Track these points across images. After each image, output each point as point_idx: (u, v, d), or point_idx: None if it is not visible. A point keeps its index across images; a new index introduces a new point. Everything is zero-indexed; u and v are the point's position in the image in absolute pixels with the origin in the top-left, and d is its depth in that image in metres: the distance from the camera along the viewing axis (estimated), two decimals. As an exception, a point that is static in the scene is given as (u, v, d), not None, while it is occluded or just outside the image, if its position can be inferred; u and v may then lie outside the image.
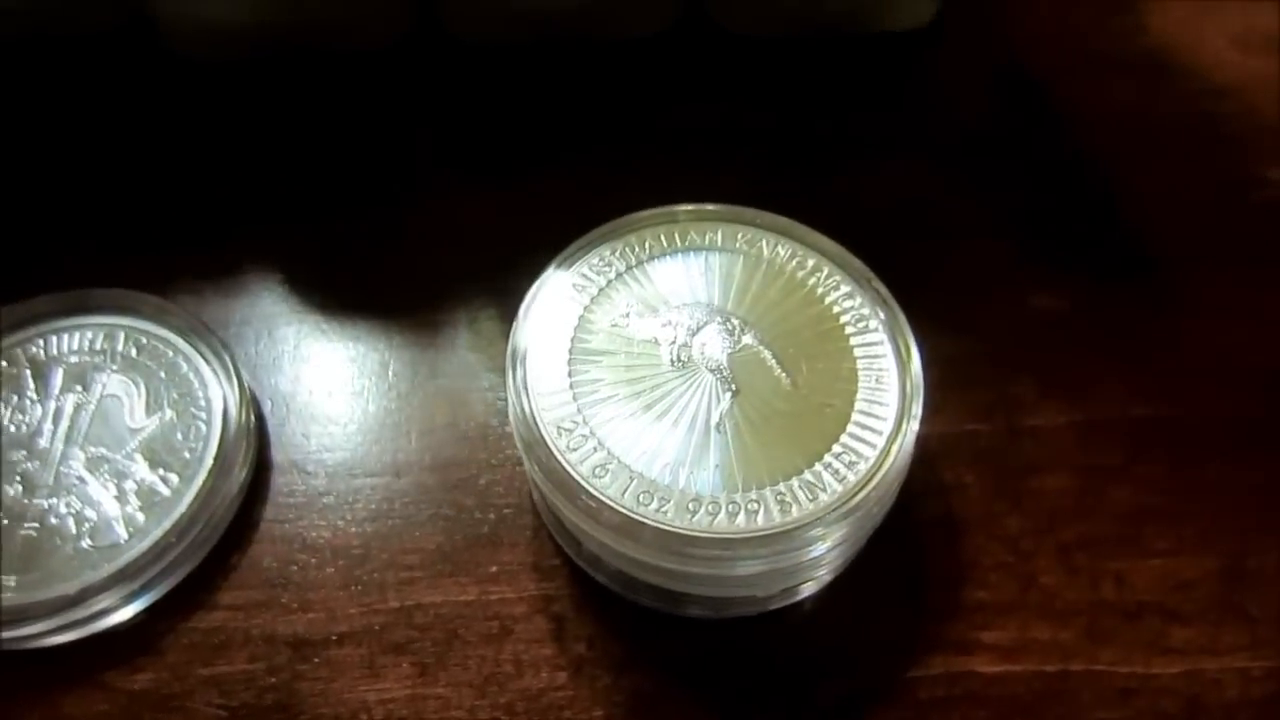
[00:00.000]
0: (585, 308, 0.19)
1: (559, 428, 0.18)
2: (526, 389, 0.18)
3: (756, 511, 0.17)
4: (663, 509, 0.17)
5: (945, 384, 0.22)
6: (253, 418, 0.21)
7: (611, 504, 0.17)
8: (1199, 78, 0.28)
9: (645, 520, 0.17)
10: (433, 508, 0.20)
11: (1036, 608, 0.19)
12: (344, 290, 0.23)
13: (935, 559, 0.20)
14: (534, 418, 0.18)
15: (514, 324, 0.19)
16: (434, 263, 0.24)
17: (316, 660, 0.19)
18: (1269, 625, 0.19)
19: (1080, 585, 0.20)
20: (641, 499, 0.17)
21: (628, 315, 0.19)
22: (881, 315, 0.19)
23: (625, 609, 0.19)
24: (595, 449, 0.17)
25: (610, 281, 0.19)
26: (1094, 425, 0.22)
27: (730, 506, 0.17)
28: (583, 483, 0.17)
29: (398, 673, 0.18)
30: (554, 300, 0.19)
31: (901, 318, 0.19)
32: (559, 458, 0.17)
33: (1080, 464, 0.21)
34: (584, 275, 0.19)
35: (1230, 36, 0.28)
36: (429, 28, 0.27)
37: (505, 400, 0.19)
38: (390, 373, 0.22)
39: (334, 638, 0.19)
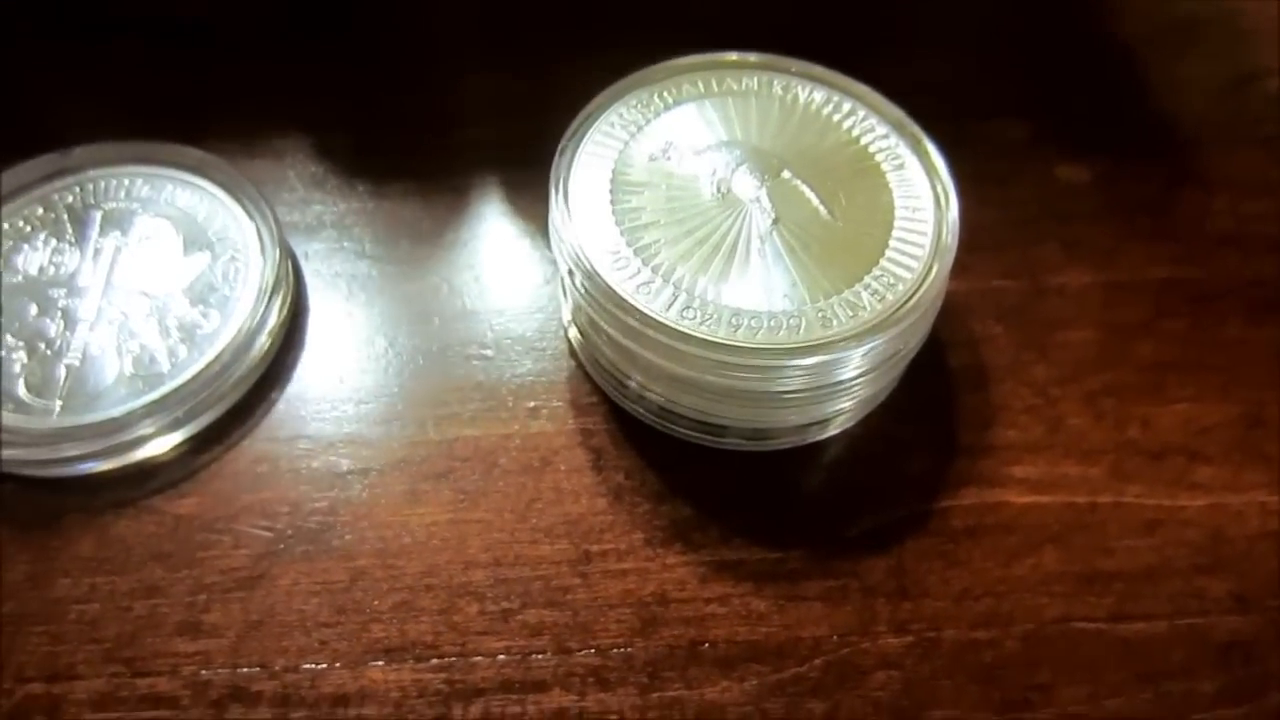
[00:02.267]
0: (625, 144, 0.19)
1: (604, 250, 0.18)
2: (569, 215, 0.18)
3: (799, 326, 0.17)
4: (706, 324, 0.17)
5: (974, 246, 0.22)
6: (289, 264, 0.21)
7: (657, 317, 0.17)
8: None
9: (690, 332, 0.17)
10: (474, 347, 0.20)
11: (1065, 447, 0.20)
12: (373, 154, 0.24)
13: (966, 401, 0.20)
14: (577, 243, 0.18)
15: (555, 156, 0.19)
16: (458, 133, 0.24)
17: (359, 488, 0.19)
18: (1291, 465, 0.20)
19: (1106, 427, 0.20)
20: (685, 314, 0.17)
21: (667, 151, 0.19)
22: (916, 155, 0.19)
23: (664, 442, 0.19)
24: (639, 270, 0.18)
25: (650, 121, 0.20)
26: (1118, 285, 0.22)
27: (771, 321, 0.17)
28: (629, 299, 0.17)
29: (439, 499, 0.19)
30: (595, 137, 0.19)
31: (936, 156, 0.19)
32: (603, 277, 0.18)
33: (1105, 320, 0.22)
34: (622, 115, 0.20)
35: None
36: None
37: (545, 242, 0.19)
38: (418, 228, 0.22)
39: (375, 468, 0.19)
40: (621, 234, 0.18)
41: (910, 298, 0.17)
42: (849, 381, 0.18)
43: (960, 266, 0.22)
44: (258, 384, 0.20)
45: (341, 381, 0.20)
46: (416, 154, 0.24)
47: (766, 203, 0.19)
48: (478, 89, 0.25)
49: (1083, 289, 0.22)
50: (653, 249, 0.18)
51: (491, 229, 0.22)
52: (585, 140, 0.19)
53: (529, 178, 0.23)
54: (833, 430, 0.19)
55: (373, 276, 0.22)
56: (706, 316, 0.17)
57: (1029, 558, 0.19)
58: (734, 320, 0.17)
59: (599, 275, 0.17)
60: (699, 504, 0.19)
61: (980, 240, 0.22)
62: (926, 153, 0.19)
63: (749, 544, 0.18)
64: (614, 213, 0.18)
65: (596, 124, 0.20)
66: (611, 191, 0.19)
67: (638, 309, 0.17)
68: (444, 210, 0.23)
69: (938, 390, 0.20)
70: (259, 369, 0.20)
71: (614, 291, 0.17)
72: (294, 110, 0.24)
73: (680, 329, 0.17)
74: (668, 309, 0.17)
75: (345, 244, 0.22)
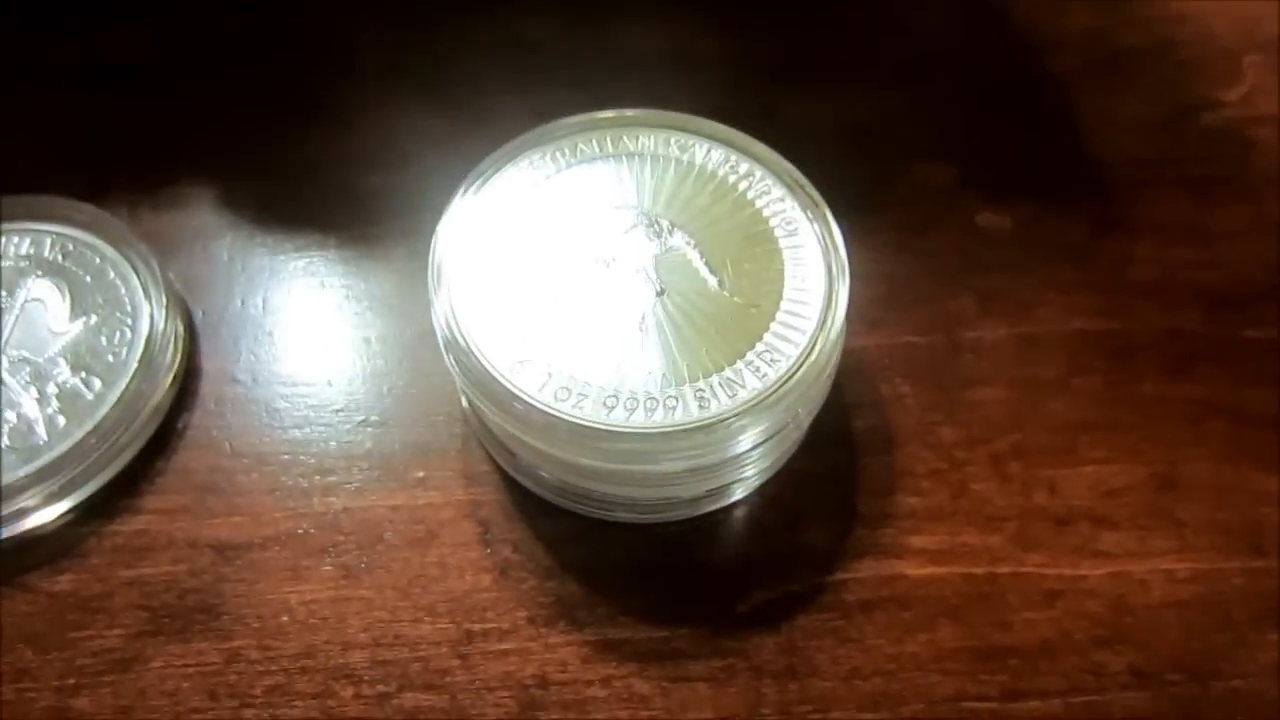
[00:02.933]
0: (512, 209, 0.19)
1: (479, 325, 0.17)
2: (446, 287, 0.18)
3: (675, 407, 0.17)
4: (579, 404, 0.17)
5: (888, 300, 0.22)
6: (179, 325, 0.21)
7: (529, 399, 0.17)
8: (1155, 3, 0.27)
9: (562, 416, 0.16)
10: (362, 414, 0.20)
11: (967, 514, 0.19)
12: (280, 204, 0.23)
13: (869, 466, 0.20)
14: (455, 320, 0.17)
15: (438, 224, 0.18)
16: (370, 178, 0.23)
17: (239, 563, 0.18)
18: (1196, 530, 0.19)
19: (1011, 492, 0.20)
20: (559, 394, 0.17)
21: (555, 219, 0.19)
22: (811, 218, 0.19)
23: (553, 515, 0.19)
24: (517, 347, 0.17)
25: (537, 185, 0.19)
26: (1033, 339, 0.22)
27: (648, 403, 0.17)
28: (504, 383, 0.17)
29: (321, 575, 0.18)
30: (480, 203, 0.19)
31: (832, 221, 0.19)
32: (480, 359, 0.17)
33: (1017, 377, 0.21)
34: (511, 176, 0.19)
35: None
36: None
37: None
38: (322, 285, 0.22)
39: (258, 542, 0.19)
40: (497, 305, 0.17)
41: (792, 375, 0.17)
42: (735, 459, 0.17)
43: (871, 322, 0.22)
44: (143, 451, 0.19)
45: (230, 449, 0.20)
46: (322, 202, 0.23)
47: (653, 272, 0.18)
48: (387, 131, 0.24)
49: (996, 344, 0.22)
50: (530, 322, 0.17)
51: (392, 287, 0.22)
52: (472, 200, 0.19)
53: (432, 219, 0.22)
54: (727, 500, 0.19)
55: (269, 335, 0.21)
56: (581, 397, 0.17)
57: (923, 633, 0.18)
58: (609, 401, 0.17)
59: (472, 351, 0.17)
60: (587, 580, 0.18)
61: (895, 294, 0.22)
62: (824, 218, 0.19)
63: (636, 621, 0.18)
64: (491, 282, 0.18)
65: (486, 184, 0.19)
66: (492, 259, 0.18)
67: (510, 390, 0.17)
68: (343, 265, 0.22)
69: (839, 455, 0.20)
70: (144, 435, 0.19)
71: (485, 370, 0.17)
72: (202, 156, 0.24)
73: (552, 411, 0.16)
74: (540, 389, 0.17)
75: (244, 301, 0.22)
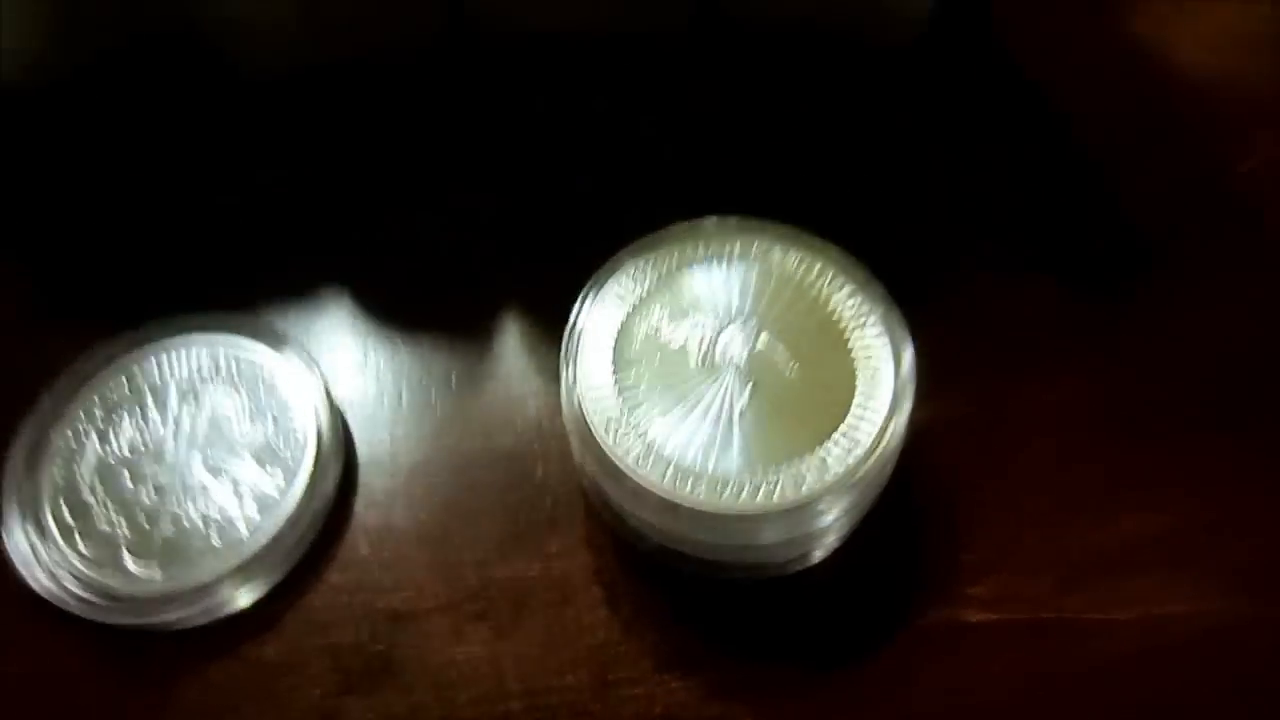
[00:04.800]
0: (626, 315, 0.22)
1: (606, 424, 0.21)
2: (578, 389, 0.21)
3: (775, 488, 0.20)
4: (695, 490, 0.20)
5: (943, 376, 0.25)
6: (340, 424, 0.24)
7: (652, 488, 0.20)
8: (1176, 78, 0.30)
9: (681, 501, 0.20)
10: (498, 495, 0.24)
11: (1017, 565, 0.23)
12: (405, 302, 0.27)
13: (929, 526, 0.23)
14: (584, 416, 0.21)
15: (565, 330, 0.22)
16: (478, 273, 0.27)
17: (411, 629, 0.22)
18: (1217, 577, 0.23)
19: (1056, 544, 0.23)
20: (679, 483, 0.20)
21: (660, 323, 0.22)
22: (880, 313, 0.22)
23: (667, 575, 0.23)
24: (637, 440, 0.21)
25: (648, 290, 0.22)
26: (1075, 403, 0.25)
27: (752, 485, 0.20)
28: (628, 471, 0.20)
29: (478, 635, 0.22)
30: (599, 308, 0.22)
31: (897, 315, 0.22)
32: (607, 451, 0.21)
33: (1059, 438, 0.24)
34: (622, 284, 0.22)
35: (1200, 37, 0.30)
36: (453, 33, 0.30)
37: (558, 397, 0.22)
38: (453, 378, 0.25)
39: (424, 610, 0.22)
40: (622, 407, 0.21)
41: (870, 455, 0.20)
42: (821, 529, 0.21)
43: (928, 395, 0.25)
44: (320, 535, 0.23)
45: (390, 530, 0.24)
46: (444, 297, 0.27)
47: (746, 369, 0.22)
48: (496, 227, 0.28)
49: (1042, 409, 0.25)
50: (648, 421, 0.21)
51: (516, 372, 0.25)
52: (589, 310, 0.22)
53: (550, 317, 0.26)
54: (812, 562, 0.22)
55: (410, 426, 0.25)
56: (695, 482, 0.20)
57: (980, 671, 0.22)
58: (719, 487, 0.20)
59: (603, 450, 0.21)
60: (700, 630, 0.22)
61: (946, 364, 0.25)
62: (892, 312, 0.22)
63: (741, 664, 0.22)
64: (616, 385, 0.21)
65: (599, 295, 0.22)
66: (614, 362, 0.22)
67: (635, 480, 0.20)
68: (473, 355, 0.26)
69: (904, 517, 0.23)
70: (320, 520, 0.23)
71: (615, 465, 0.20)
72: (328, 260, 0.27)
73: (672, 499, 0.20)
74: (662, 479, 0.20)
75: (384, 395, 0.25)
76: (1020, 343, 0.26)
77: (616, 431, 0.21)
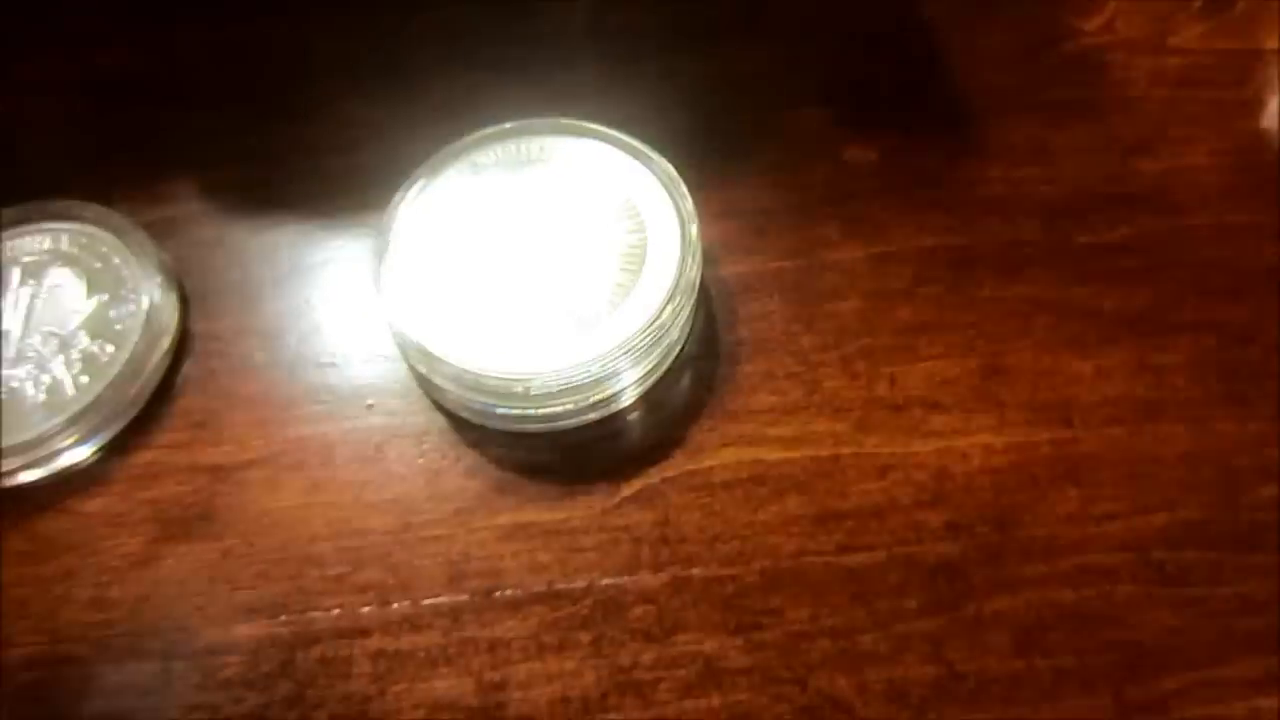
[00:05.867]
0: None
1: (415, 301, 0.22)
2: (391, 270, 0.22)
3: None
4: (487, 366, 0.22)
5: (761, 231, 0.26)
6: (174, 297, 0.25)
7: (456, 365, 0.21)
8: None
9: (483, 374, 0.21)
10: (328, 357, 0.25)
11: (818, 407, 0.23)
12: (254, 189, 0.27)
13: (737, 373, 0.24)
14: (395, 295, 0.22)
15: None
16: (332, 165, 0.28)
17: (230, 482, 0.23)
18: (1015, 409, 0.23)
19: (857, 387, 0.23)
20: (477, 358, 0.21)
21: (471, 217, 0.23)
22: (665, 189, 0.23)
23: (473, 429, 0.23)
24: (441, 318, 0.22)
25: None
26: (886, 257, 0.25)
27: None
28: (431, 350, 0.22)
29: (293, 487, 0.23)
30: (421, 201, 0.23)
31: (682, 188, 0.23)
32: (413, 333, 0.22)
33: (871, 289, 0.25)
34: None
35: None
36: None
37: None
38: (290, 257, 0.26)
39: (242, 464, 0.23)
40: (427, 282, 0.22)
41: (647, 329, 0.21)
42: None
43: (745, 249, 0.25)
44: (151, 399, 0.24)
45: (220, 392, 0.24)
46: (291, 184, 0.27)
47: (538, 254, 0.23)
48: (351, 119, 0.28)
49: (854, 263, 0.25)
50: (453, 301, 0.22)
51: (351, 256, 0.26)
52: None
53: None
54: (616, 408, 0.23)
55: (248, 300, 0.26)
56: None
57: (774, 505, 0.22)
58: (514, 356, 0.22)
59: (408, 333, 0.22)
60: (500, 477, 0.23)
61: (767, 226, 0.26)
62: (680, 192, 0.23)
63: (539, 509, 0.22)
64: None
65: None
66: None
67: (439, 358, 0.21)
68: (306, 239, 0.27)
69: (713, 364, 0.24)
70: (149, 387, 0.24)
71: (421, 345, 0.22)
72: (186, 155, 0.28)
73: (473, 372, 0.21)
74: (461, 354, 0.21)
75: (225, 273, 0.26)
76: (840, 202, 0.26)
77: (424, 312, 0.22)
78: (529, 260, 0.23)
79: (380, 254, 0.23)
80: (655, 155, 0.24)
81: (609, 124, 0.24)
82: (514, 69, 0.29)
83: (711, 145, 0.26)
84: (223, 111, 0.29)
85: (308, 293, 0.26)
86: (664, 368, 0.23)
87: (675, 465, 0.23)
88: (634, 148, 0.24)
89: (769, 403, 0.23)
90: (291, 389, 0.24)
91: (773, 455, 0.23)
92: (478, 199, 0.24)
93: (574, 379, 0.21)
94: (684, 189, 0.23)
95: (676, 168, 0.24)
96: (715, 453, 0.23)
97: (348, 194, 0.27)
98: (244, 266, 0.26)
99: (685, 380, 0.24)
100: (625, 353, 0.21)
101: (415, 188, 0.24)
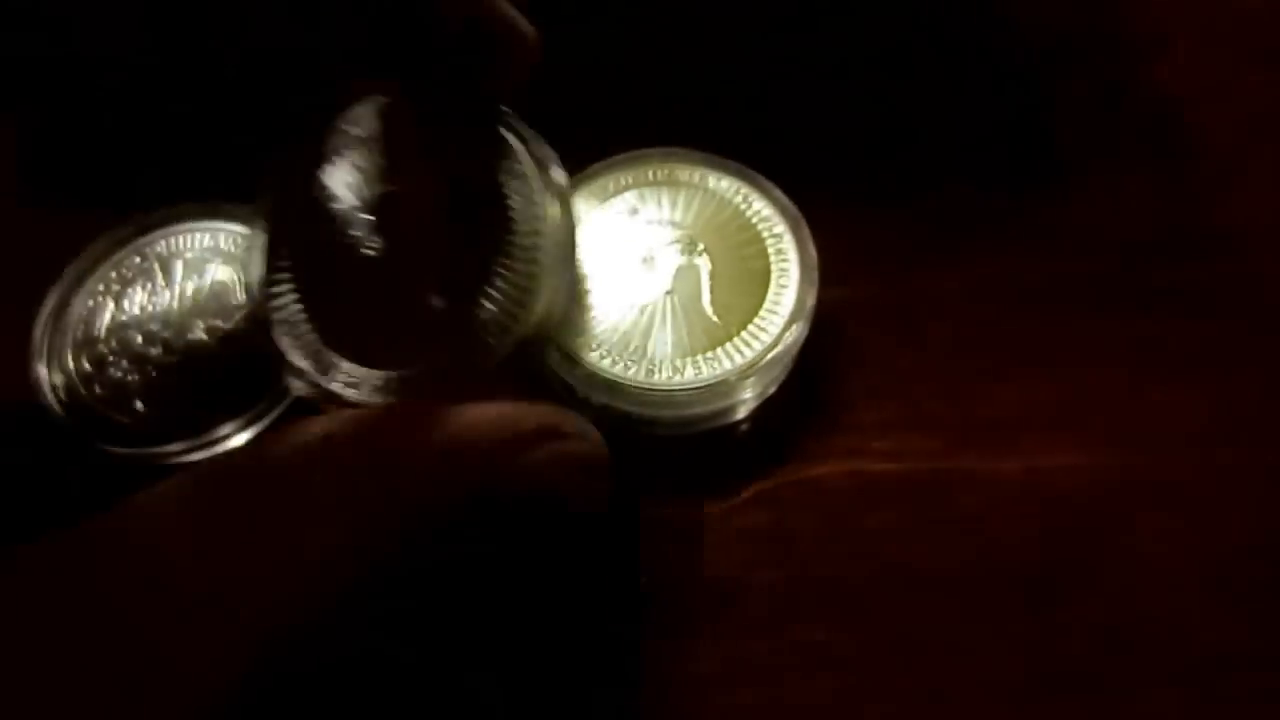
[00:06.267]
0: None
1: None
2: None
3: (699, 370, 0.23)
4: (632, 371, 0.24)
5: (867, 256, 0.28)
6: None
7: (598, 371, 0.24)
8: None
9: (621, 381, 0.23)
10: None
11: (917, 423, 0.25)
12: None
13: (843, 389, 0.26)
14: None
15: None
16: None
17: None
18: (1098, 433, 0.25)
19: (953, 406, 0.26)
20: (618, 366, 0.24)
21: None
22: (786, 223, 0.25)
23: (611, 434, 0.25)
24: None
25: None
26: (981, 286, 0.27)
27: (677, 367, 0.24)
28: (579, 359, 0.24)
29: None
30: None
31: (803, 224, 0.25)
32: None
33: (966, 316, 0.27)
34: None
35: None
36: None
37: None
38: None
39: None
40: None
41: (775, 345, 0.24)
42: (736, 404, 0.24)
43: (851, 273, 0.28)
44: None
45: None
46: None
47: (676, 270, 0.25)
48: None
49: (950, 291, 0.27)
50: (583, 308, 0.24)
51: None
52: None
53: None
54: (736, 418, 0.25)
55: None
56: (632, 364, 0.24)
57: (879, 512, 0.24)
58: (650, 367, 0.24)
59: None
60: (636, 477, 0.25)
61: (871, 251, 0.28)
62: (798, 222, 0.25)
63: (666, 509, 0.25)
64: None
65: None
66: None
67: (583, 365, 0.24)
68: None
69: (822, 381, 0.26)
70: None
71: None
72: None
73: (610, 376, 0.23)
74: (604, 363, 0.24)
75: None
76: (938, 233, 0.28)
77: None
78: (663, 282, 0.25)
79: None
80: (773, 186, 0.26)
81: (727, 152, 0.27)
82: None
83: (822, 172, 0.29)
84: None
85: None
86: (779, 382, 0.25)
87: (789, 472, 0.25)
88: (752, 176, 0.26)
89: (872, 418, 0.26)
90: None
91: (876, 467, 0.25)
92: (617, 223, 0.26)
93: (702, 393, 0.24)
94: (802, 221, 0.25)
95: (791, 194, 0.26)
96: (824, 462, 0.25)
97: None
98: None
99: (797, 394, 0.26)
100: (749, 373, 0.23)
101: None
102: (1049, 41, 0.31)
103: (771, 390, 0.25)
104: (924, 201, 0.29)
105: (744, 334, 0.24)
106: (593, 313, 0.24)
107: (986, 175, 0.29)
